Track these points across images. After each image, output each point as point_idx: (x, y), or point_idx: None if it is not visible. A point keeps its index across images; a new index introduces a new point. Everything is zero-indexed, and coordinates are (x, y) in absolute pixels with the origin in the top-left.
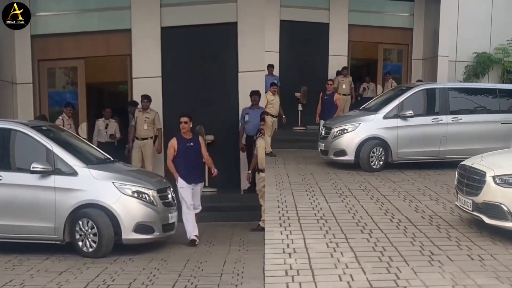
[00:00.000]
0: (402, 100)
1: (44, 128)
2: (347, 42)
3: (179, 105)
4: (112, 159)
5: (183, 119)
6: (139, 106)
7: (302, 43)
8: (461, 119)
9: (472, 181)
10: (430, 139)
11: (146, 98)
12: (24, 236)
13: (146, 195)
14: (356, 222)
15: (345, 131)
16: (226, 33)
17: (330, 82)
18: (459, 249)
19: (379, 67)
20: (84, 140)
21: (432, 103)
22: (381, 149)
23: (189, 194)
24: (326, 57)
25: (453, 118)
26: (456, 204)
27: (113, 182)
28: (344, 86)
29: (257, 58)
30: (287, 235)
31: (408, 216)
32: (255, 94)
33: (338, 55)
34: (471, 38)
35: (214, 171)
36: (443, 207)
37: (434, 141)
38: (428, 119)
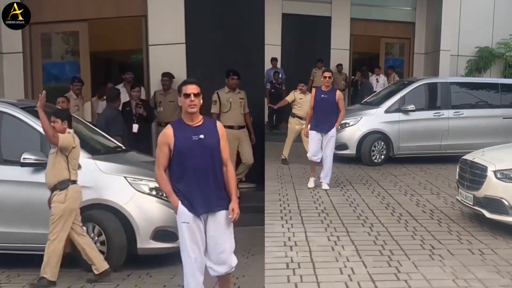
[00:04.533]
0: (404, 94)
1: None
2: (349, 36)
3: (208, 80)
4: (124, 147)
5: (189, 87)
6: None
7: (304, 36)
8: (463, 114)
9: (473, 175)
10: (432, 134)
11: (167, 76)
12: (13, 246)
13: None
14: (357, 216)
15: (347, 125)
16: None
17: (328, 74)
18: (459, 243)
19: (381, 61)
20: (88, 124)
21: (433, 98)
22: (382, 143)
23: (195, 235)
24: (328, 51)
25: (455, 112)
26: (457, 199)
27: (125, 177)
28: (343, 82)
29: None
30: (288, 228)
31: (409, 210)
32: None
33: (340, 49)
34: (474, 33)
35: (235, 211)
36: (444, 202)
37: (435, 136)
38: (430, 114)
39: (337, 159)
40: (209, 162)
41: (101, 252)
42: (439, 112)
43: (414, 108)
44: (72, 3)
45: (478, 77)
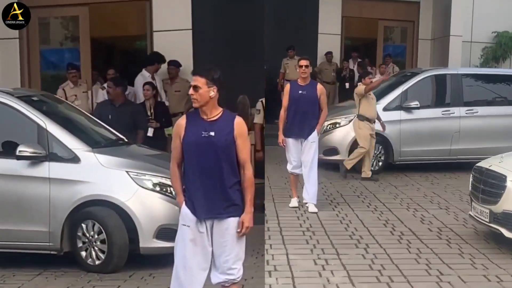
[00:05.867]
0: (406, 88)
1: (34, 98)
2: (341, 18)
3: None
4: (126, 139)
5: (193, 78)
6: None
7: (286, 19)
8: (477, 112)
9: (489, 186)
10: (440, 136)
11: (173, 64)
12: (9, 244)
13: (171, 189)
14: (350, 235)
15: (337, 125)
16: None
17: (304, 62)
18: (473, 268)
19: (378, 49)
20: (89, 115)
21: (442, 93)
22: (380, 147)
23: (195, 245)
24: (315, 36)
25: (467, 110)
26: (470, 214)
27: (127, 171)
28: (333, 74)
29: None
30: (266, 250)
31: (412, 228)
32: None
33: (329, 34)
34: (490, 15)
35: (244, 224)
36: (455, 218)
37: (444, 138)
38: (438, 112)
39: (325, 166)
40: (217, 163)
41: (101, 251)
42: (448, 110)
43: (419, 105)
44: None
45: (496, 68)
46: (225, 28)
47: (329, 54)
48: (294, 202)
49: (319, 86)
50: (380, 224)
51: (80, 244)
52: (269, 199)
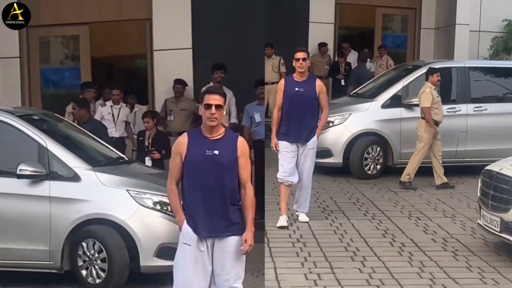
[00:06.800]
0: (407, 83)
1: (35, 117)
2: (335, 5)
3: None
4: (126, 158)
5: (212, 98)
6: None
7: (273, 7)
8: (486, 109)
9: (500, 192)
10: (444, 136)
11: (180, 83)
12: (9, 263)
13: None
14: (345, 247)
15: (330, 124)
16: None
17: (301, 55)
18: (482, 283)
19: (376, 39)
20: (89, 133)
21: (447, 88)
22: (378, 148)
23: (196, 264)
24: (306, 26)
25: (475, 108)
26: (478, 223)
27: (127, 190)
28: (326, 67)
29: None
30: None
31: (415, 238)
32: (261, 85)
33: (321, 23)
34: (500, 1)
35: (248, 243)
36: (462, 227)
37: (449, 139)
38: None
39: (318, 169)
40: (219, 181)
41: (102, 270)
42: (454, 108)
43: None
44: (72, 6)
45: (507, 60)
46: (226, 46)
47: (323, 46)
48: (282, 220)
49: (319, 83)
50: (379, 234)
51: (80, 263)
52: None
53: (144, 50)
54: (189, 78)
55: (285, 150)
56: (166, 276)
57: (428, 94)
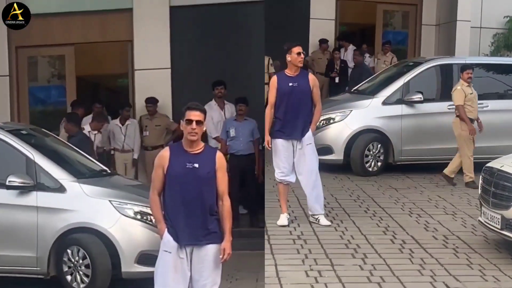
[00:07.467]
0: (408, 79)
1: (23, 132)
2: (335, 2)
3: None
4: (109, 171)
5: (193, 114)
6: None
7: (275, 5)
8: (487, 106)
9: (501, 189)
10: (445, 133)
11: (150, 102)
12: None
13: (151, 217)
14: (346, 244)
15: (331, 121)
16: (252, 14)
17: (300, 49)
18: (483, 281)
19: (377, 36)
20: (73, 147)
21: (448, 85)
22: (379, 145)
23: (175, 271)
24: (307, 22)
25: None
26: (479, 220)
27: (110, 201)
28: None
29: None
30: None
31: (415, 235)
32: (242, 103)
33: (322, 19)
34: None
35: (226, 251)
36: (462, 224)
37: (451, 136)
38: (443, 106)
39: (318, 166)
40: (199, 193)
41: (86, 275)
42: None
43: (422, 99)
44: (59, 27)
45: (508, 57)
46: (204, 66)
47: (324, 43)
48: (283, 219)
49: (311, 77)
50: (380, 232)
51: (65, 269)
52: None
53: (126, 70)
54: (167, 96)
55: (281, 149)
56: (146, 281)
57: (460, 91)
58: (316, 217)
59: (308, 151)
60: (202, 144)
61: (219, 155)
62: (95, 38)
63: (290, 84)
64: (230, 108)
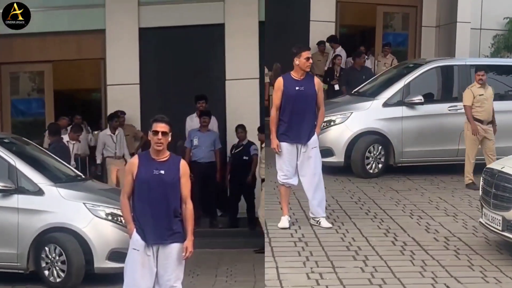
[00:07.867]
0: (409, 81)
1: (6, 140)
2: (335, 4)
3: None
4: (83, 176)
5: (159, 126)
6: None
7: (275, 6)
8: None
9: (502, 190)
10: (446, 134)
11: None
12: None
13: (121, 218)
14: (347, 246)
15: (332, 123)
16: (212, 36)
17: (309, 54)
18: (484, 282)
19: (377, 37)
20: (52, 155)
21: (449, 86)
22: (380, 147)
23: (143, 267)
24: (307, 24)
25: None
26: (480, 222)
27: (84, 203)
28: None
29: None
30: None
31: (416, 237)
32: (205, 115)
33: (322, 21)
34: None
35: (188, 250)
36: (463, 226)
37: (451, 137)
38: (444, 107)
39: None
40: (165, 196)
41: (62, 270)
42: (456, 106)
43: (423, 100)
44: (38, 46)
45: (508, 58)
46: (169, 82)
47: (322, 45)
48: (284, 221)
49: (317, 80)
50: (381, 233)
51: (43, 264)
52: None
53: (99, 85)
54: (136, 108)
55: (285, 152)
56: (117, 276)
57: (469, 92)
58: (317, 219)
59: (313, 154)
60: (167, 153)
61: (183, 163)
62: (71, 56)
63: (297, 88)
64: (212, 121)
